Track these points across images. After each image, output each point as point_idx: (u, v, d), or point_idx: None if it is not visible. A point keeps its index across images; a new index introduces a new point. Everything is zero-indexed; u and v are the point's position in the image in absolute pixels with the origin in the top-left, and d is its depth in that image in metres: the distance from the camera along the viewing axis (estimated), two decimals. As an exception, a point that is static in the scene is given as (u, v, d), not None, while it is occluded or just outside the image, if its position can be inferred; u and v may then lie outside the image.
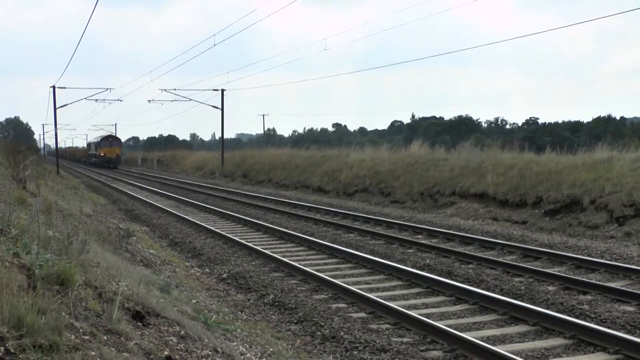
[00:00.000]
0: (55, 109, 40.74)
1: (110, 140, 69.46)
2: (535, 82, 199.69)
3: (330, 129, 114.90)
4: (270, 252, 12.21)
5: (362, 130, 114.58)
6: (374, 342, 6.74)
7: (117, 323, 4.41)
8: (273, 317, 8.14)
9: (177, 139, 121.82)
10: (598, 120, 78.29)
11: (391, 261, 11.15)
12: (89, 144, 79.26)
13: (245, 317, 8.01)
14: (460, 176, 20.51)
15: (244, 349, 6.06)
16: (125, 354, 3.87)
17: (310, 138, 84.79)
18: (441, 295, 8.97)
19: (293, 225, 17.07)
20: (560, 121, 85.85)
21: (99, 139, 70.32)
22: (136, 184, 36.15)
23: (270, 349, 6.38)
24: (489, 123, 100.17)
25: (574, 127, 79.88)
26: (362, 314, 8.05)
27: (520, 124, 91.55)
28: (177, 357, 4.36)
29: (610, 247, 12.42)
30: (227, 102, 73.64)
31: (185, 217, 18.63)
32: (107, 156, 66.79)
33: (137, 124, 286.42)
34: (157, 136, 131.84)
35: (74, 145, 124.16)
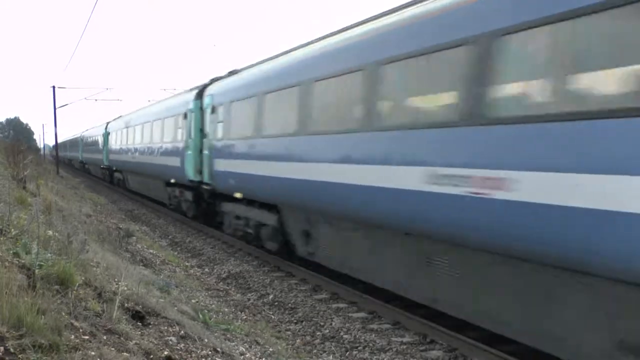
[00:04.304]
0: (55, 108, 40.63)
1: None
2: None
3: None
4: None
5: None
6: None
7: (117, 323, 4.40)
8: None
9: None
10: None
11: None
12: None
13: (245, 317, 8.02)
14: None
15: (244, 349, 6.06)
16: (125, 353, 3.87)
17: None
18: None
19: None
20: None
21: None
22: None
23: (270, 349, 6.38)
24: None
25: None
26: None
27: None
28: (177, 357, 4.36)
29: None
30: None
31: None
32: None
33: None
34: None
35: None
